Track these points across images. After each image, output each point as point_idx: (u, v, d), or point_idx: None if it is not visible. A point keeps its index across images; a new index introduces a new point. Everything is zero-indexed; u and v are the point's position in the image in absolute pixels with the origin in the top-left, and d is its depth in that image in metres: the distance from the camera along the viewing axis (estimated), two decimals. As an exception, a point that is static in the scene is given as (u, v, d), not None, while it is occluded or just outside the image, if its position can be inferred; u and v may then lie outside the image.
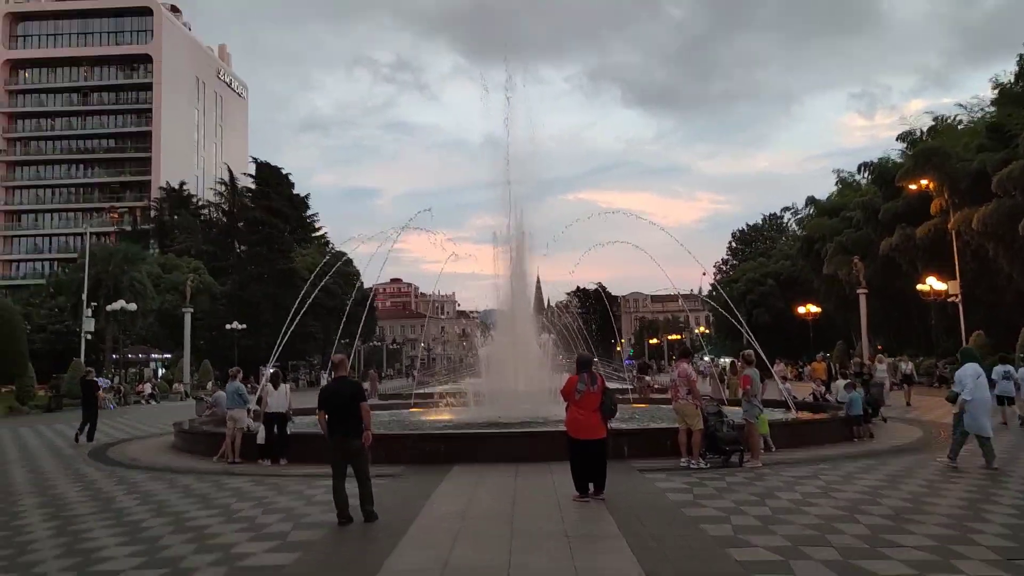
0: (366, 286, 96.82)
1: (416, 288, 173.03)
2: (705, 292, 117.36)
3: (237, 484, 12.51)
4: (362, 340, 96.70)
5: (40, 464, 16.27)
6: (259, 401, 16.18)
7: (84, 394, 22.14)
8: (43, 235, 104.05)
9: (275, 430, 14.88)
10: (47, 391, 42.82)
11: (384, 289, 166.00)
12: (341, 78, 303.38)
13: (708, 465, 12.88)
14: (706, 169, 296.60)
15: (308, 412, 17.00)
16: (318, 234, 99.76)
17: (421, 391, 36.20)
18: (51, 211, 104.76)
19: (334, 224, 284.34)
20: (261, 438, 15.01)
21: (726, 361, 56.12)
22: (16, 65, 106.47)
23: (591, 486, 10.11)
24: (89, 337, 52.36)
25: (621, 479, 11.33)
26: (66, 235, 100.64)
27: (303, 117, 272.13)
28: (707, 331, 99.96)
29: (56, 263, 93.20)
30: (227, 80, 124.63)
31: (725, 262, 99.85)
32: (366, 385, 27.36)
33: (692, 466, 12.72)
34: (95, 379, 25.55)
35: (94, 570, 7.28)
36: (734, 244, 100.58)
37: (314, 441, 13.71)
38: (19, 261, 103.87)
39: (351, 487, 9.24)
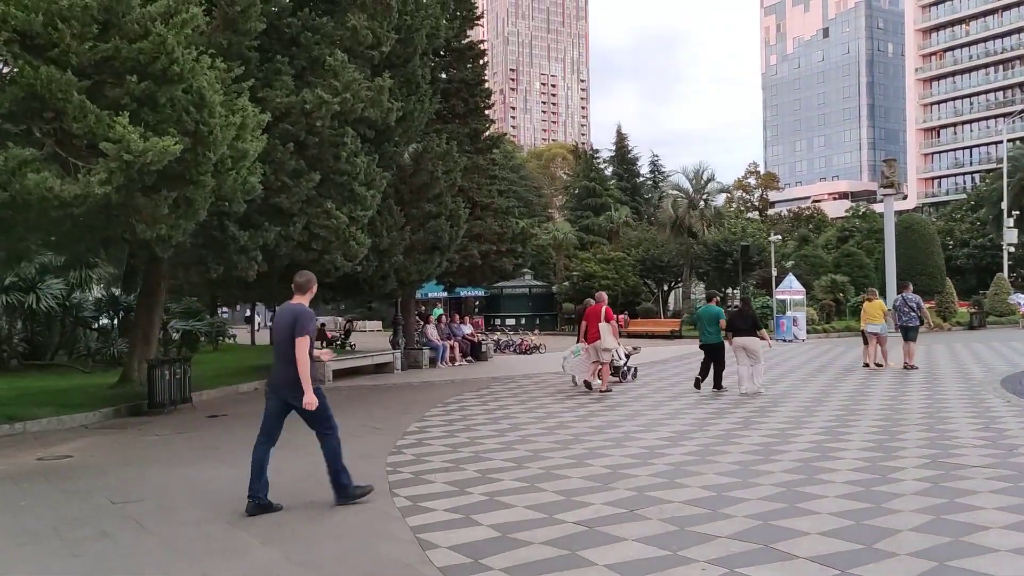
0: None
1: None
2: None
3: None
4: None
5: (943, 386, 14.42)
6: None
7: None
8: (962, 148, 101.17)
9: None
10: (968, 308, 40.89)
11: None
12: None
13: None
14: None
15: None
16: None
17: None
18: (968, 122, 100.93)
19: None
20: None
21: None
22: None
23: None
24: (1012, 250, 48.68)
25: None
26: (986, 144, 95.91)
27: None
28: None
29: (976, 176, 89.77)
30: None
31: None
32: None
33: None
34: None
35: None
36: None
37: None
38: (939, 178, 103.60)
39: None
